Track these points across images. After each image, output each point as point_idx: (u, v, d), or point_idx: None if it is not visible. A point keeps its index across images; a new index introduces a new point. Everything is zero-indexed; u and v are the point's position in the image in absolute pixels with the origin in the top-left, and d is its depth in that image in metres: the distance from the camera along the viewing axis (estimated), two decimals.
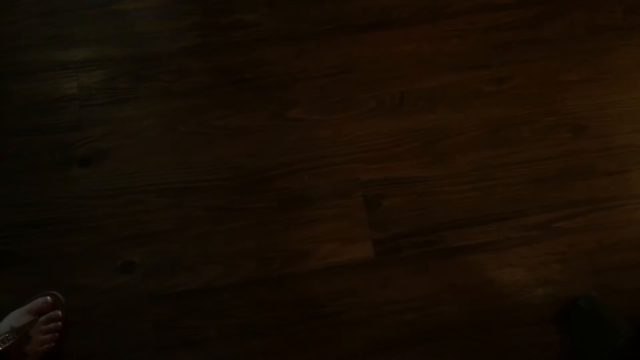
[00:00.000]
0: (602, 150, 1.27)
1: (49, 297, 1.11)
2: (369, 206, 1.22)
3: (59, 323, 1.10)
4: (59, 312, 1.10)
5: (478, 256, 1.21)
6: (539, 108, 1.28)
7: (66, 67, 1.27)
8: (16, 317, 1.08)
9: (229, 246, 1.20)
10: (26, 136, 1.23)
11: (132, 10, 1.30)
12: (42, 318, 1.09)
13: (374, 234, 1.21)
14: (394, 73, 1.29)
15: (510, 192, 1.24)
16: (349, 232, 1.21)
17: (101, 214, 1.20)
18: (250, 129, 1.26)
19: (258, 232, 1.21)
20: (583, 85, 1.30)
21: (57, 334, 1.09)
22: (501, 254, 1.21)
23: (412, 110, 1.27)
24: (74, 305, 1.15)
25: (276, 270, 1.19)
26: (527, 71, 1.30)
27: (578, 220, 1.23)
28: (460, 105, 1.28)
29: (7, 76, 1.26)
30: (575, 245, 1.22)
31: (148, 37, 1.30)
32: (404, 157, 1.25)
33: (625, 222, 1.23)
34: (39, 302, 1.10)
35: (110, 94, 1.26)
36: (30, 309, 1.09)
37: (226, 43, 1.30)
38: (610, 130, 1.28)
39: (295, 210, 1.22)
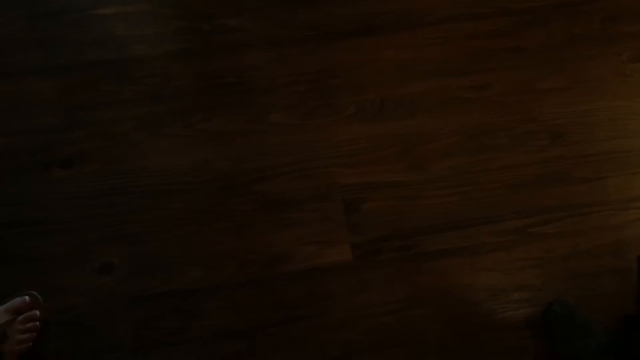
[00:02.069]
0: (578, 157, 1.28)
1: (27, 297, 1.11)
2: (347, 210, 1.23)
3: (37, 323, 1.10)
4: (37, 312, 1.11)
5: (455, 260, 1.22)
6: (517, 115, 1.30)
7: (49, 69, 1.28)
8: None
9: (208, 248, 1.21)
10: (7, 137, 1.25)
11: (116, 14, 1.32)
12: (20, 317, 1.09)
13: (353, 237, 1.22)
14: (374, 79, 1.31)
15: (488, 198, 1.25)
16: (328, 236, 1.22)
17: (81, 215, 1.21)
18: (232, 133, 1.27)
19: (238, 234, 1.22)
20: (560, 93, 1.32)
21: (34, 334, 1.10)
22: (478, 259, 1.22)
23: (391, 116, 1.29)
24: (53, 305, 1.15)
25: (255, 273, 1.20)
26: (506, 79, 1.33)
27: (554, 226, 1.24)
28: (439, 112, 1.30)
29: None
30: (551, 250, 1.23)
31: (132, 41, 1.31)
32: (383, 162, 1.26)
33: (600, 228, 1.24)
34: (17, 301, 1.11)
35: (93, 97, 1.27)
36: (8, 308, 1.09)
37: (209, 48, 1.32)
38: (586, 137, 1.30)
39: (275, 213, 1.23)
